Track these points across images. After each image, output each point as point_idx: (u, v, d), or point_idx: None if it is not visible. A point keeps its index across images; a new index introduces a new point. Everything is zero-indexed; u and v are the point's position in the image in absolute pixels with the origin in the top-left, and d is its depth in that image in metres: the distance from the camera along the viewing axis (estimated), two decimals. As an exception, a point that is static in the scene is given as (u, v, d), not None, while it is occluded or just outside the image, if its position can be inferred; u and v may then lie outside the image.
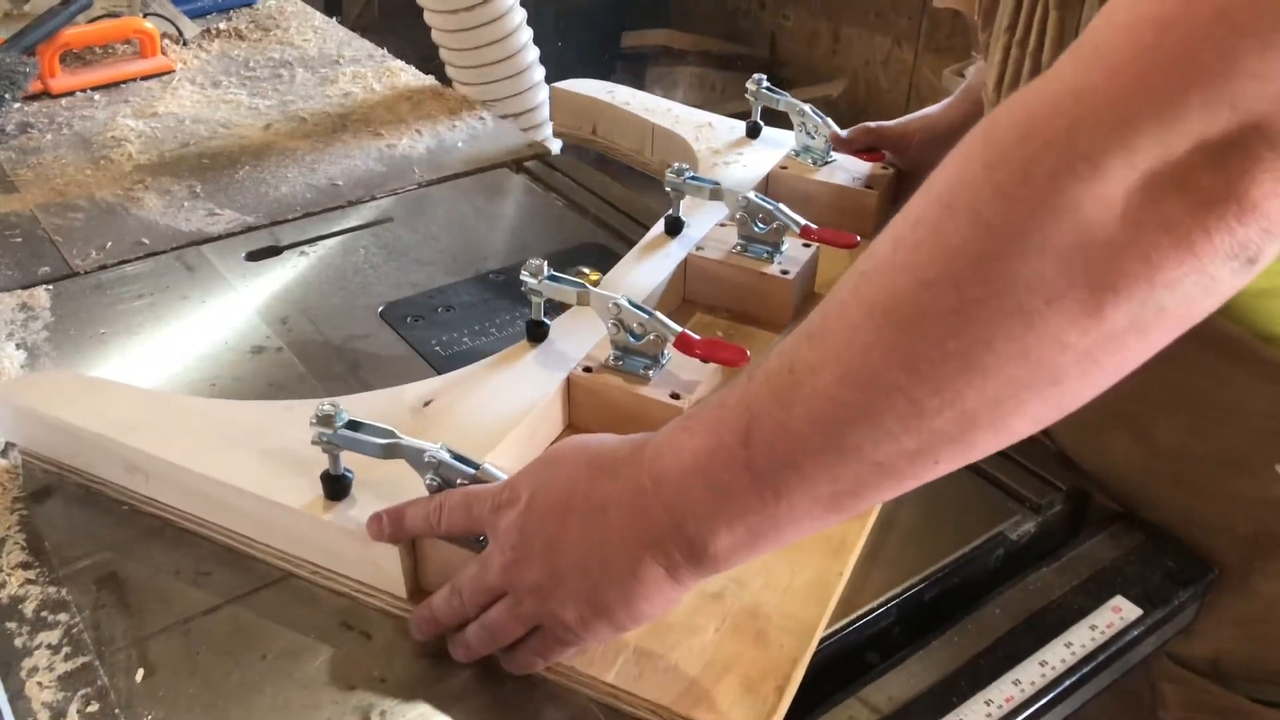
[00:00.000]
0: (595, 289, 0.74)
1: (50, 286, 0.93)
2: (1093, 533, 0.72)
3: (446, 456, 0.60)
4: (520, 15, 1.47)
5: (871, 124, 1.02)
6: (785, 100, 1.03)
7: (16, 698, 0.57)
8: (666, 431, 0.52)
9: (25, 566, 0.65)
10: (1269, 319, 0.65)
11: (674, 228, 0.89)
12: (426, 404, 0.70)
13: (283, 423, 0.68)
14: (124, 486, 0.70)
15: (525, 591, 0.55)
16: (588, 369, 0.73)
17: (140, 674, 0.59)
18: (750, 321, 0.85)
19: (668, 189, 0.88)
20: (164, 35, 1.44)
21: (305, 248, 1.00)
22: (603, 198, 1.09)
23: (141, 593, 0.64)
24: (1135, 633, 0.65)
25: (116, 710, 0.57)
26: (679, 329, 0.71)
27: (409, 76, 1.40)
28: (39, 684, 0.58)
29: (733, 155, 1.04)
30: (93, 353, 0.85)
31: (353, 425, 0.61)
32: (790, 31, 3.10)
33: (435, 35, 1.49)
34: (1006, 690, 0.61)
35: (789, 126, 1.04)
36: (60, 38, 1.32)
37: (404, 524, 0.60)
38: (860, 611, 0.64)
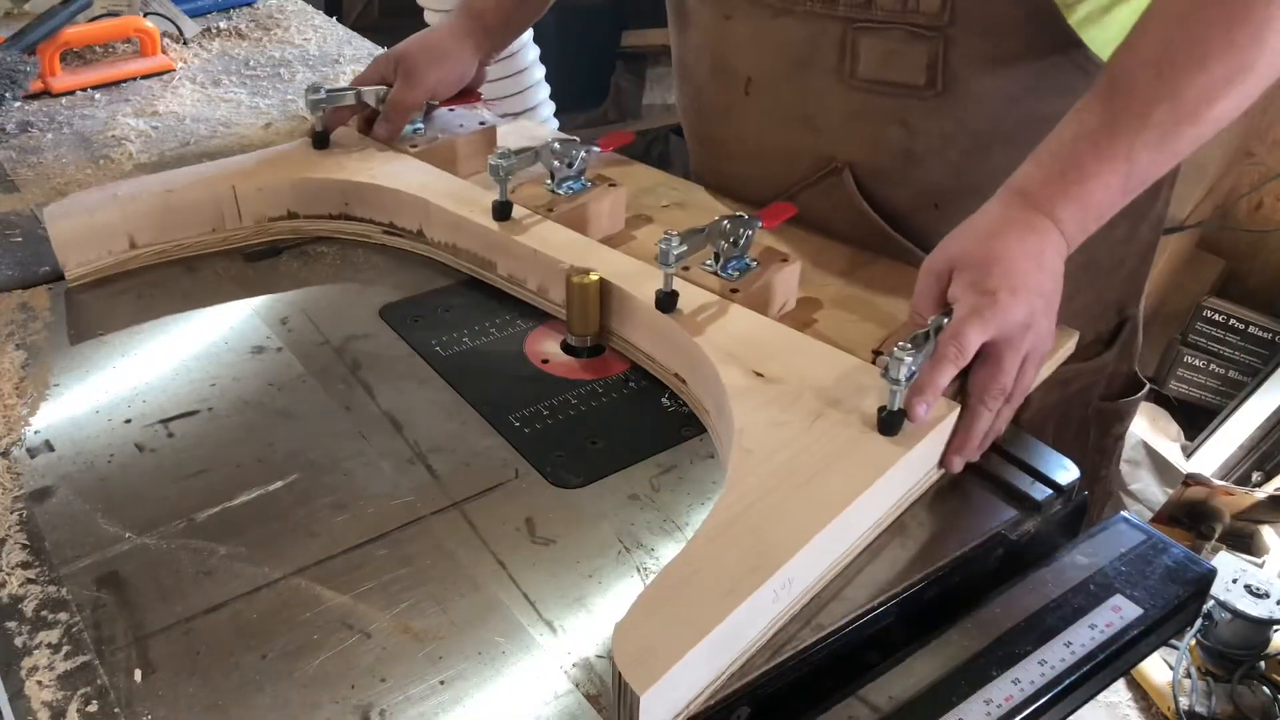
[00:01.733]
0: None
1: (50, 286, 0.94)
2: (1093, 533, 0.72)
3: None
4: (520, 15, 1.46)
5: (402, 104, 1.08)
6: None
7: (16, 697, 0.57)
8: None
9: (25, 566, 0.65)
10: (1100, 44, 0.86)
11: (503, 212, 0.92)
12: None
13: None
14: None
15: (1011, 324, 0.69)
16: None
17: (140, 674, 0.59)
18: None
19: (494, 175, 0.91)
20: (164, 34, 1.45)
21: (305, 248, 1.00)
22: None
23: (141, 593, 0.64)
24: (1135, 632, 0.65)
25: (116, 710, 0.57)
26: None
27: (409, 76, 1.39)
28: (39, 683, 0.58)
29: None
30: (93, 353, 0.85)
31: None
32: (790, 31, 3.09)
33: (435, 34, 1.48)
34: (1006, 690, 0.61)
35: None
36: (61, 37, 1.33)
37: (938, 382, 0.68)
38: (860, 610, 0.64)
